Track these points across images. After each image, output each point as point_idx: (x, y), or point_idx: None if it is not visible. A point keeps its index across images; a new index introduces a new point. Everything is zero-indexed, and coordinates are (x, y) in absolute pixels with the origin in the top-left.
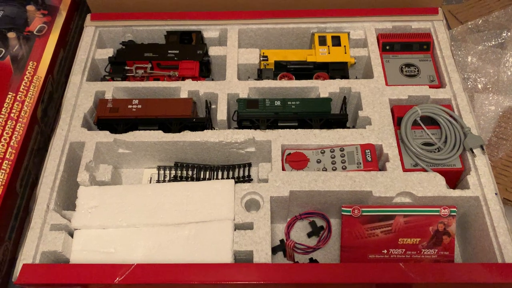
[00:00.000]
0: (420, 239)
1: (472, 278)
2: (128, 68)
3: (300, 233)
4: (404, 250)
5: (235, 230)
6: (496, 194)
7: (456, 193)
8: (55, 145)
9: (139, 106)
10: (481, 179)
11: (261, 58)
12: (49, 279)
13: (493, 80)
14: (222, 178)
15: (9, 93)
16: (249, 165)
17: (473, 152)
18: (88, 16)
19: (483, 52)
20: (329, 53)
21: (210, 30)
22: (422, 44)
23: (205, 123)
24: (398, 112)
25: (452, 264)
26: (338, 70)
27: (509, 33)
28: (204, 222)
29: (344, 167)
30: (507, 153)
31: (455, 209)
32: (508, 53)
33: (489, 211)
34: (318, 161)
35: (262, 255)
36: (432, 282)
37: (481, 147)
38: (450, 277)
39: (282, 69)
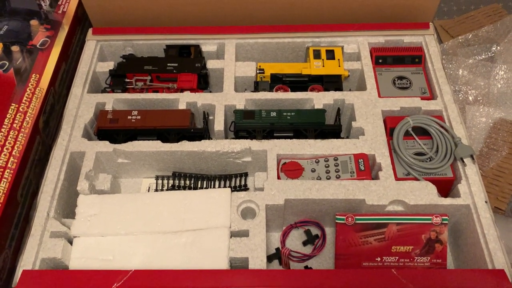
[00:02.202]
0: (412, 247)
1: (463, 284)
2: (128, 80)
3: (295, 242)
4: (397, 258)
5: (231, 237)
6: (486, 202)
7: (448, 201)
8: (56, 154)
9: (139, 117)
10: (472, 187)
11: (258, 71)
12: (48, 285)
13: (484, 92)
14: (219, 187)
15: (12, 104)
16: (246, 174)
17: (463, 161)
18: (90, 31)
19: (473, 66)
20: (323, 66)
21: (208, 44)
22: (414, 57)
23: (203, 133)
24: (390, 123)
25: (444, 270)
26: (332, 83)
27: (498, 47)
28: (200, 229)
29: (338, 176)
30: (498, 163)
31: (446, 217)
32: (498, 66)
33: (480, 218)
34: (313, 170)
35: (258, 261)
36: None
37: (471, 156)
38: (442, 283)
39: (278, 81)
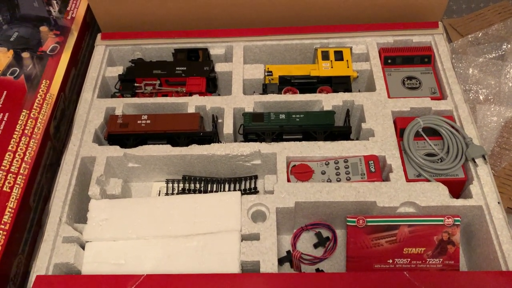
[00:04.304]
0: (424, 249)
1: (476, 286)
2: (137, 85)
3: (306, 244)
4: (409, 259)
5: (242, 240)
6: (499, 203)
7: (459, 202)
8: (67, 160)
9: (148, 121)
10: (484, 188)
11: (266, 73)
12: None
13: (495, 91)
14: (229, 190)
15: (23, 110)
16: (255, 177)
17: (475, 162)
18: (99, 36)
19: (484, 64)
20: (332, 67)
21: (216, 47)
22: (423, 57)
23: (212, 137)
24: (400, 124)
25: (456, 272)
26: (341, 84)
27: (509, 45)
28: (211, 233)
29: (348, 178)
30: (510, 162)
31: (459, 218)
32: (509, 65)
33: (492, 219)
34: (323, 173)
35: (269, 265)
36: None
37: (483, 156)
38: (454, 285)
39: (286, 83)
